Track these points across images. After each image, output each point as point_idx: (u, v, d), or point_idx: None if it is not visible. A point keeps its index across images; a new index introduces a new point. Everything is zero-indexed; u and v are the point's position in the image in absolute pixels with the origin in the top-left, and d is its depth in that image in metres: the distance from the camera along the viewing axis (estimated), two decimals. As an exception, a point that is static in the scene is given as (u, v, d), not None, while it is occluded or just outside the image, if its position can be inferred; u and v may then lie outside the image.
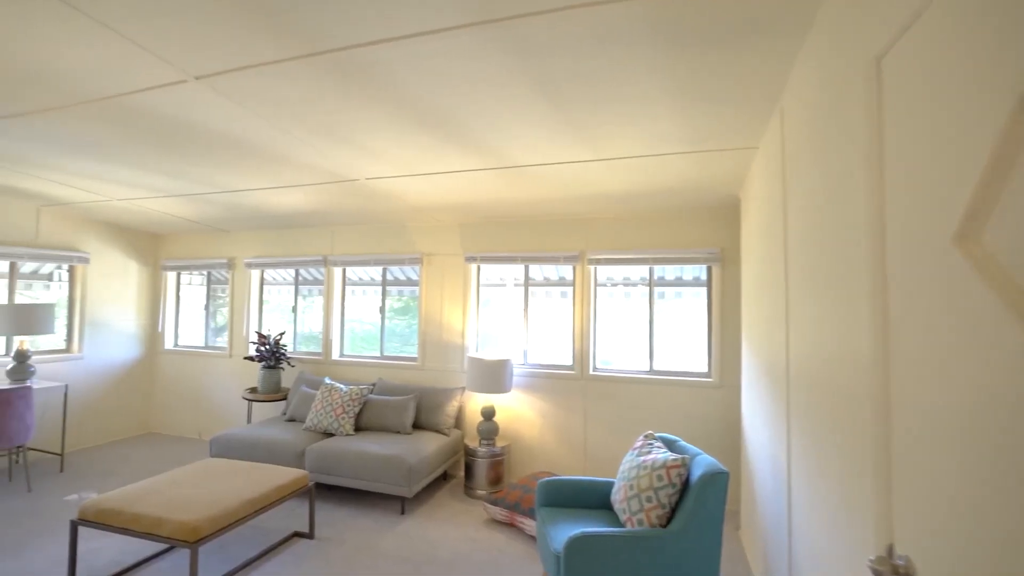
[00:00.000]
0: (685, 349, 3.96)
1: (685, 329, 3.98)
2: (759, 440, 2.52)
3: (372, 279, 4.94)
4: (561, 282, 4.31)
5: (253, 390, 4.70)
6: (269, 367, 4.63)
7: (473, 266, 4.46)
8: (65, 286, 4.90)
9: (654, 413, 3.86)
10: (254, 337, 5.14)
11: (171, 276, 5.66)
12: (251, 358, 4.66)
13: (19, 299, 4.57)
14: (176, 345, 5.63)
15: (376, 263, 4.74)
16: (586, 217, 4.10)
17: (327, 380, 4.27)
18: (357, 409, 4.02)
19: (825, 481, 1.49)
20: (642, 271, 4.09)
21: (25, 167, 3.34)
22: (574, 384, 4.08)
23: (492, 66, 1.88)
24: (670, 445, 2.50)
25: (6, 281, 4.49)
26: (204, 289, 5.63)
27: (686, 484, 2.18)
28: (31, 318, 4.21)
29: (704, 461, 2.19)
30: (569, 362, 4.18)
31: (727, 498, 2.26)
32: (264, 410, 5.04)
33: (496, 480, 3.80)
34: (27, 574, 2.67)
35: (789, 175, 1.96)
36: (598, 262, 4.07)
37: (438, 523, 3.36)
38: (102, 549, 2.92)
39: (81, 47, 1.84)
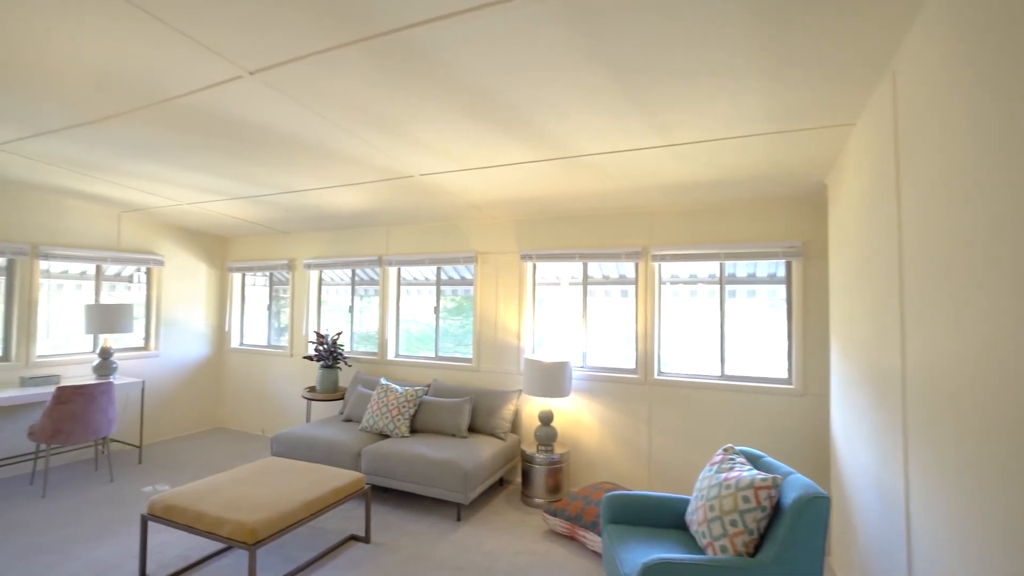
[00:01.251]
0: (760, 352, 3.63)
1: (759, 330, 3.64)
2: (859, 459, 2.20)
3: (426, 279, 4.89)
4: (622, 280, 4.07)
5: (312, 389, 4.77)
6: (327, 366, 4.67)
7: (529, 264, 4.30)
8: (143, 287, 5.18)
9: (727, 423, 3.55)
10: (313, 337, 5.23)
11: (236, 277, 5.87)
12: (310, 357, 4.73)
13: (103, 300, 4.86)
14: (241, 344, 5.83)
15: (430, 262, 4.68)
16: (650, 210, 3.85)
17: (383, 380, 4.25)
18: (412, 411, 3.97)
19: (973, 514, 1.21)
20: (711, 267, 3.79)
21: (105, 173, 3.50)
22: (637, 389, 3.84)
23: (553, 43, 1.71)
24: (754, 461, 2.23)
25: (93, 283, 4.78)
26: (267, 290, 5.80)
27: (776, 508, 1.92)
28: (114, 317, 4.46)
29: (798, 482, 1.92)
30: (631, 365, 3.94)
31: (828, 527, 1.97)
32: (322, 409, 5.12)
33: (555, 488, 3.62)
34: (103, 562, 2.77)
35: (904, 153, 1.66)
36: (663, 258, 3.81)
37: (495, 532, 3.23)
38: (172, 543, 2.99)
39: (144, 47, 1.84)
